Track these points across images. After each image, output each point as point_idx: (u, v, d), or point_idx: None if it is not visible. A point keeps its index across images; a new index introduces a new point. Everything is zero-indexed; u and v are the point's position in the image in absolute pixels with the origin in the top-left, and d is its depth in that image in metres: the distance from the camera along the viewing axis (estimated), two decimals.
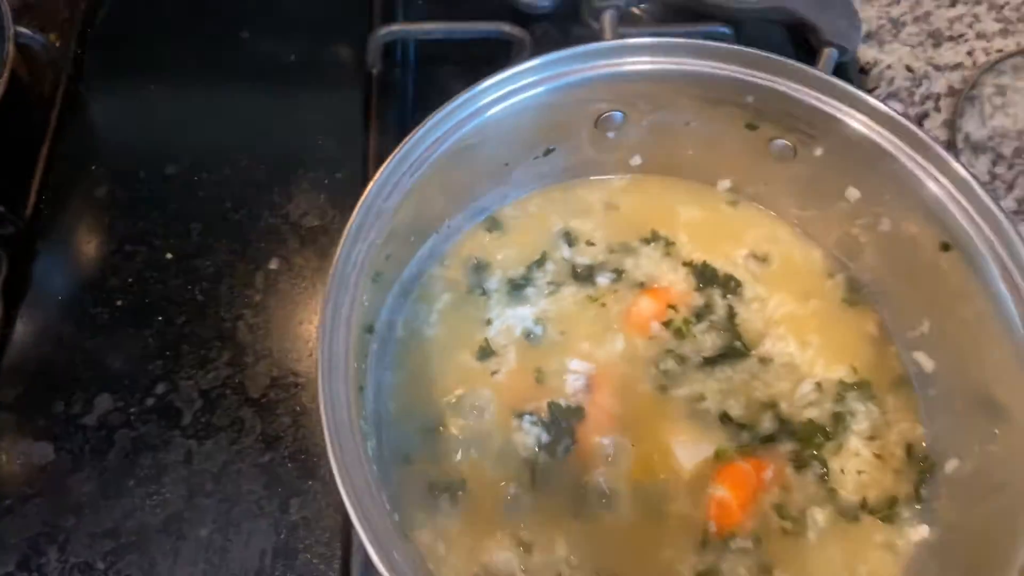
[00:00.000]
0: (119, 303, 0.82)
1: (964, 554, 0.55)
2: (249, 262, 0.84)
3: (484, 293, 0.72)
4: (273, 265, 0.84)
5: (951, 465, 0.63)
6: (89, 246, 0.86)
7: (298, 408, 0.76)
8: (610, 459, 0.65)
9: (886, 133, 0.62)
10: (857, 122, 0.63)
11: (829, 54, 0.66)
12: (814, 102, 0.64)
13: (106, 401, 0.77)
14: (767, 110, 0.67)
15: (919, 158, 0.61)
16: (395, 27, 0.94)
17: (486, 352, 0.70)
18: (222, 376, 0.79)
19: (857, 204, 0.69)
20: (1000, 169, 0.94)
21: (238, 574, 0.70)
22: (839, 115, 0.64)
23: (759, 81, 0.64)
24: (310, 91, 0.96)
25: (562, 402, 0.67)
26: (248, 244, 0.85)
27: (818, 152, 0.68)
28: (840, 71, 0.73)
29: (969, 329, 0.62)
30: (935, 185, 0.61)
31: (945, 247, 0.63)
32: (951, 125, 0.96)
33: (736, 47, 0.64)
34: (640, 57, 0.64)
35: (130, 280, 0.83)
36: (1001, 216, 0.58)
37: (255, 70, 0.97)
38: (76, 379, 0.78)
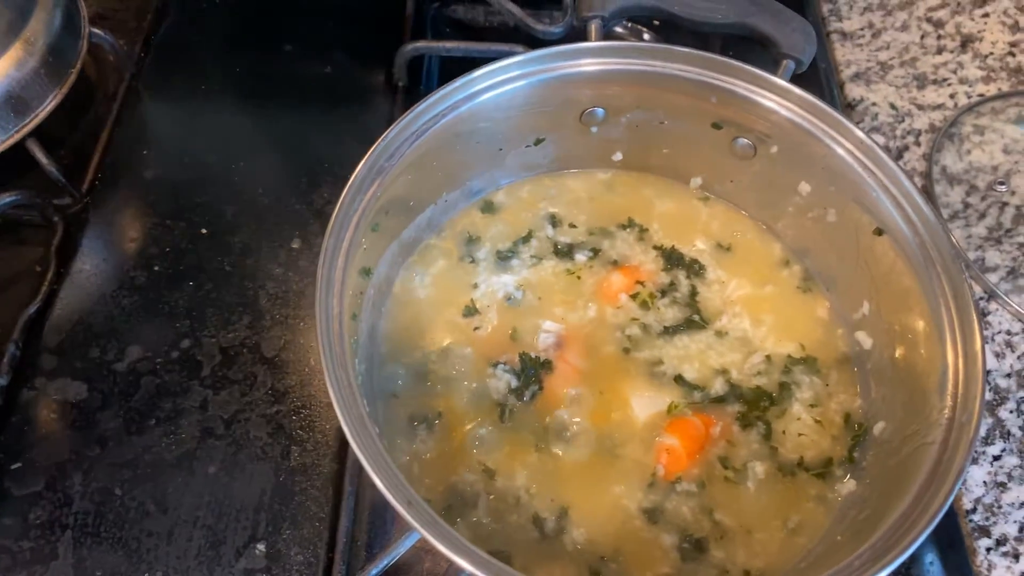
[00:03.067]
0: (156, 268, 0.90)
1: (879, 498, 0.61)
2: (274, 240, 0.92)
3: (473, 261, 0.81)
4: (295, 244, 0.92)
5: (879, 427, 0.70)
6: (134, 219, 0.95)
7: (306, 369, 0.83)
8: (573, 406, 0.72)
9: (822, 126, 0.71)
10: (802, 119, 0.72)
11: (786, 65, 0.75)
12: (766, 102, 0.73)
13: (136, 351, 0.85)
14: (729, 110, 0.76)
15: (849, 146, 0.69)
16: (420, 44, 1.04)
17: (471, 311, 0.78)
18: (241, 336, 0.86)
19: (808, 197, 0.78)
20: (973, 199, 1.00)
21: (238, 508, 0.76)
22: (787, 114, 0.73)
23: (720, 83, 0.74)
24: (342, 100, 1.05)
25: (532, 354, 0.75)
26: (274, 225, 0.93)
27: (774, 150, 0.77)
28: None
29: (898, 306, 0.69)
30: (866, 173, 0.69)
31: (878, 232, 0.71)
32: (929, 158, 1.03)
33: (701, 53, 0.73)
34: (616, 58, 0.74)
35: (167, 249, 0.92)
36: (921, 202, 0.66)
37: (294, 78, 1.08)
38: (112, 331, 0.85)
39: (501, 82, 0.72)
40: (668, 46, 0.73)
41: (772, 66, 0.76)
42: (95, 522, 0.75)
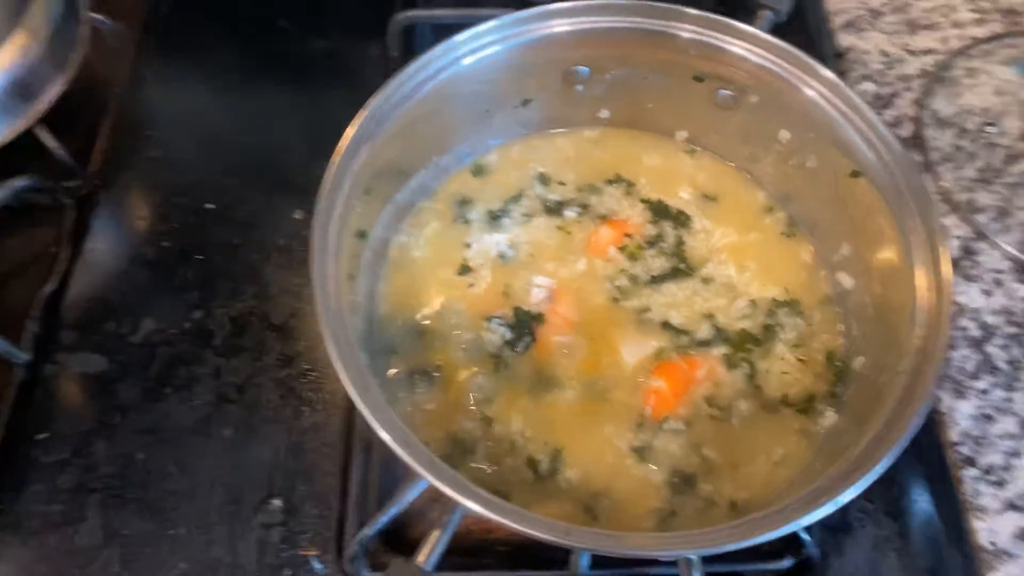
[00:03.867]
0: (165, 244, 0.93)
1: (856, 427, 0.64)
2: (277, 212, 0.95)
3: (466, 222, 0.84)
4: (298, 215, 0.94)
5: (858, 362, 0.72)
6: (142, 198, 0.98)
7: (313, 334, 0.86)
8: (564, 354, 0.76)
9: (795, 71, 0.72)
10: (776, 66, 0.74)
11: (765, 16, 0.77)
12: (741, 51, 0.75)
13: (150, 324, 0.88)
14: (709, 63, 0.78)
15: (830, 95, 0.72)
16: (411, 13, 1.06)
17: (465, 269, 0.81)
18: (249, 306, 0.89)
19: (789, 144, 0.80)
20: (963, 142, 1.01)
21: (255, 466, 0.79)
22: (762, 62, 0.75)
23: (696, 36, 0.76)
24: (338, 73, 1.08)
25: (525, 308, 0.78)
26: (277, 198, 0.96)
27: (754, 99, 0.79)
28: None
29: (875, 245, 0.72)
30: (843, 119, 0.71)
31: (855, 174, 0.73)
32: (919, 103, 1.04)
33: (674, 7, 0.75)
34: (594, 16, 0.76)
35: (176, 226, 0.94)
36: (892, 139, 0.68)
37: (290, 54, 1.10)
38: (126, 305, 0.89)
39: (481, 46, 0.74)
40: (643, 2, 0.74)
41: (752, 17, 0.77)
42: (120, 484, 0.78)
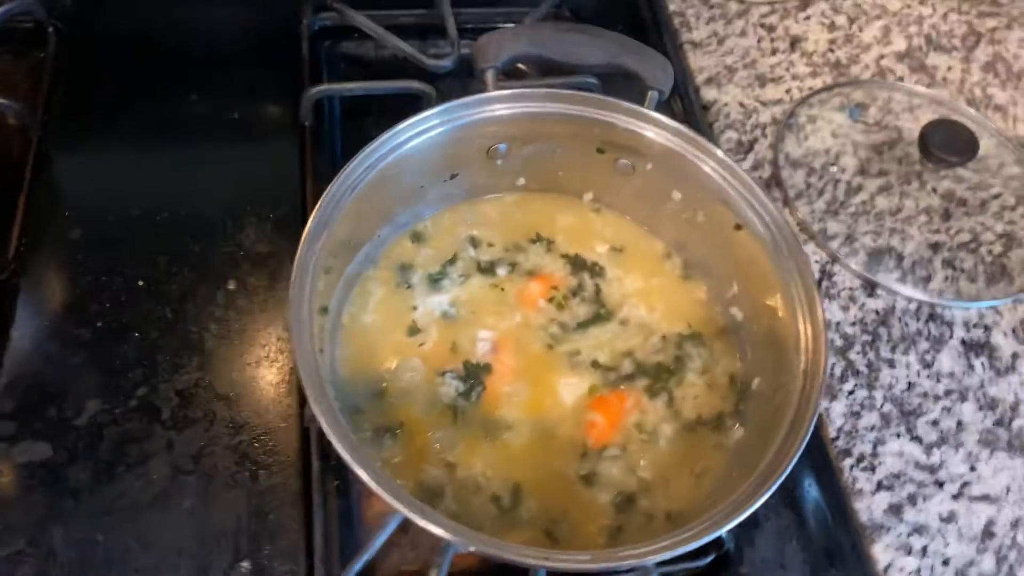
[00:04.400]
0: (99, 324, 0.93)
1: (761, 438, 0.78)
2: (210, 284, 0.96)
3: (409, 286, 0.93)
4: (231, 285, 0.97)
5: (756, 383, 0.87)
6: (68, 280, 0.96)
7: (261, 399, 0.88)
8: (512, 399, 0.86)
9: (687, 147, 0.87)
10: (670, 142, 0.88)
11: (651, 96, 0.91)
12: (639, 130, 0.89)
13: (94, 404, 0.87)
14: (609, 138, 0.91)
15: (711, 163, 0.86)
16: (323, 87, 1.12)
17: (414, 330, 0.90)
18: (194, 378, 0.90)
19: (680, 203, 0.94)
20: (812, 179, 1.17)
21: (218, 532, 0.81)
22: (657, 137, 0.88)
23: (599, 117, 0.89)
24: (253, 143, 1.11)
25: (474, 361, 0.88)
26: (208, 269, 0.98)
27: (648, 167, 0.93)
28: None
29: (758, 285, 0.87)
30: (724, 183, 0.86)
31: (738, 227, 0.88)
32: (775, 147, 1.21)
33: (582, 93, 0.88)
34: (513, 103, 0.88)
35: (107, 304, 0.94)
36: (769, 203, 0.84)
37: (203, 126, 1.11)
38: (66, 389, 0.87)
39: (419, 132, 0.84)
40: (557, 90, 0.87)
41: (640, 96, 0.91)
42: (82, 570, 0.78)
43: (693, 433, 0.87)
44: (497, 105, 0.86)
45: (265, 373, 0.91)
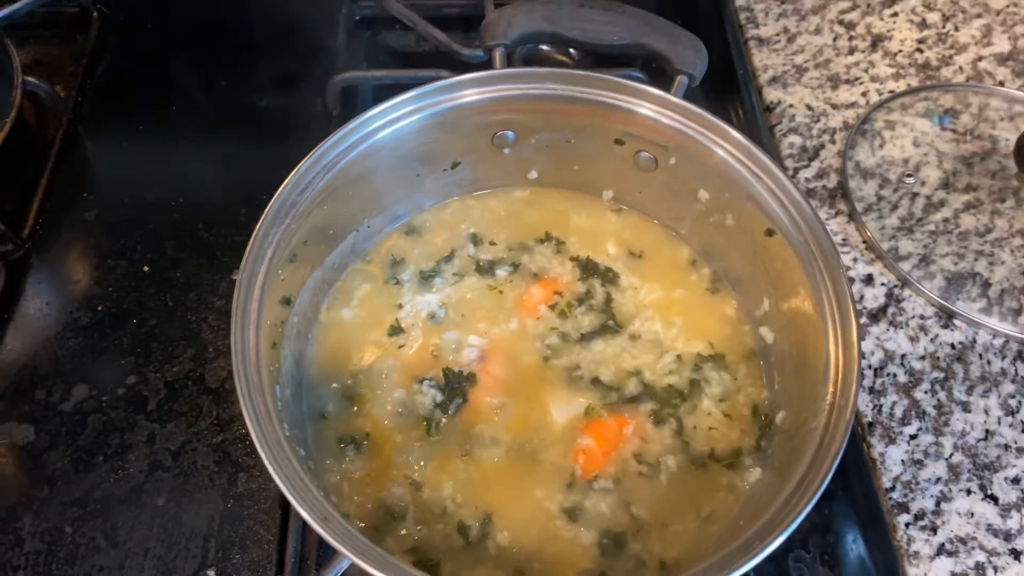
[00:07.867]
0: (99, 308, 0.93)
1: (778, 483, 0.65)
2: (215, 273, 0.95)
3: (398, 283, 0.85)
4: (235, 276, 0.92)
5: (780, 417, 0.74)
6: (77, 261, 0.98)
7: None
8: (495, 416, 0.76)
9: (713, 136, 0.75)
10: (690, 129, 0.76)
11: (680, 80, 0.79)
12: (657, 116, 0.77)
13: (82, 390, 0.87)
14: (627, 126, 0.80)
15: (740, 155, 0.74)
16: (348, 74, 1.09)
17: (396, 330, 0.82)
18: (185, 370, 0.88)
19: (708, 203, 0.82)
20: (885, 192, 1.05)
21: (188, 536, 0.78)
22: (677, 125, 0.77)
23: (616, 102, 0.78)
24: (278, 132, 1.09)
25: (456, 369, 0.78)
26: (215, 258, 0.96)
27: (672, 161, 0.81)
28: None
29: (791, 301, 0.74)
30: (755, 180, 0.74)
31: (769, 233, 0.75)
32: (843, 155, 1.08)
33: (593, 74, 0.78)
34: (518, 83, 0.78)
35: (110, 289, 0.94)
36: (801, 200, 0.71)
37: (230, 114, 1.11)
38: (57, 372, 0.88)
39: (399, 117, 0.76)
40: (565, 71, 0.77)
41: (668, 82, 0.80)
42: (47, 561, 0.77)
43: (703, 469, 0.74)
44: (473, 89, 0.77)
45: None
